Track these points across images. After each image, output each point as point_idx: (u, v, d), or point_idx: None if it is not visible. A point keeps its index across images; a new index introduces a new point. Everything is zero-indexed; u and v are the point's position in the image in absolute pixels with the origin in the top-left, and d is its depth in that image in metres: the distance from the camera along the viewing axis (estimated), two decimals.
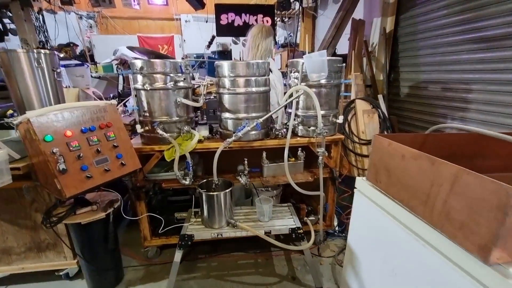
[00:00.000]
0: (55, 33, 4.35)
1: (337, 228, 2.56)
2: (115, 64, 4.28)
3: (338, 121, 2.02)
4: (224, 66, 1.87)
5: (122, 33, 7.79)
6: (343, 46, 3.63)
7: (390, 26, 2.98)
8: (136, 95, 1.85)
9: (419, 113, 2.70)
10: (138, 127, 1.84)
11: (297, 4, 5.05)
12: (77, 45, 4.70)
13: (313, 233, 1.90)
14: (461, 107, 2.26)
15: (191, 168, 1.85)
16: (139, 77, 1.78)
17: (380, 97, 2.84)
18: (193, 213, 1.93)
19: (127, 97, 2.83)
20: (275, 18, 5.28)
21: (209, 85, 2.09)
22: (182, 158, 1.86)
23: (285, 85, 2.20)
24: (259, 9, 4.72)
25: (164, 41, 7.59)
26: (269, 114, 1.87)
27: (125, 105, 2.69)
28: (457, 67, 2.28)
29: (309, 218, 2.22)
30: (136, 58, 2.07)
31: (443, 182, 0.80)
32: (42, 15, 4.01)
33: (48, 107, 1.46)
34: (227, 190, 1.76)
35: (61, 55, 3.74)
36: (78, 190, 1.40)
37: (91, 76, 4.63)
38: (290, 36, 6.07)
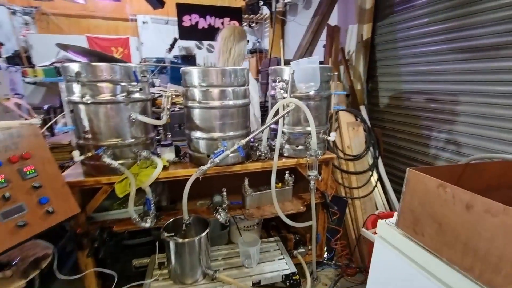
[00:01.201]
0: None
1: (325, 255, 2.29)
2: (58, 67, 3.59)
3: (330, 138, 1.73)
4: (194, 73, 1.48)
5: (67, 33, 6.85)
6: (318, 54, 3.44)
7: (367, 34, 2.84)
8: (72, 111, 1.36)
9: (402, 125, 2.57)
10: (75, 153, 1.35)
11: (266, 8, 4.82)
12: (3, 44, 3.87)
13: (308, 277, 1.57)
14: (448, 120, 2.15)
15: (152, 206, 1.41)
16: (76, 87, 1.30)
17: (362, 108, 2.67)
18: (157, 264, 1.48)
19: None
20: (242, 22, 4.99)
21: (173, 96, 1.67)
22: (141, 189, 1.41)
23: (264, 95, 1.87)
24: (226, 11, 4.39)
25: (119, 43, 6.85)
26: (253, 134, 1.52)
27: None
28: (442, 77, 2.17)
29: (298, 251, 1.90)
30: (71, 61, 1.58)
31: None
32: None
33: None
34: (202, 234, 1.35)
35: None
36: None
37: (25, 82, 3.85)
38: (259, 41, 5.83)
